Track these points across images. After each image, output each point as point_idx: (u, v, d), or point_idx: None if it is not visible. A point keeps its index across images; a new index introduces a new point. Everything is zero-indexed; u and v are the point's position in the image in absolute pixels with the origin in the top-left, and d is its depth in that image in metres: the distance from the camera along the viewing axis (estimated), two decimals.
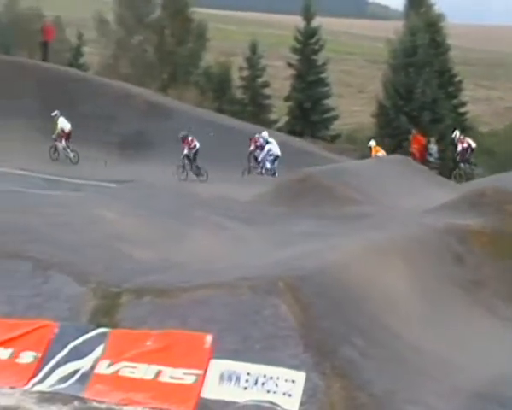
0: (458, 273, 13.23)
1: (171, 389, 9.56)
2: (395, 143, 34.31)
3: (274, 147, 26.96)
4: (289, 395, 9.24)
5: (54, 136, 27.89)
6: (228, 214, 15.66)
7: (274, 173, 26.62)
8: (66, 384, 9.79)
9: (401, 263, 12.36)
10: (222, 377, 9.53)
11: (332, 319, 10.05)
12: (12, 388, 9.76)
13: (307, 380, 9.21)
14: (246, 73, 42.91)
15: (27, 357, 10.08)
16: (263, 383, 9.37)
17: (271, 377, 9.36)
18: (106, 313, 10.47)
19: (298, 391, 9.21)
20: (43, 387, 9.79)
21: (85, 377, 9.82)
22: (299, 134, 37.80)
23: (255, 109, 41.51)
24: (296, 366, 9.34)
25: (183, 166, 26.61)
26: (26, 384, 9.82)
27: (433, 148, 32.24)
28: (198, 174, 26.51)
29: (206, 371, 9.58)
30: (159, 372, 9.69)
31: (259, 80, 42.94)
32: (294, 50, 43.16)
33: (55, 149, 27.94)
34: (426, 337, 10.87)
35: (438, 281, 12.70)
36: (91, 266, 11.40)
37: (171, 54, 42.50)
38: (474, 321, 12.16)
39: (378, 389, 9.29)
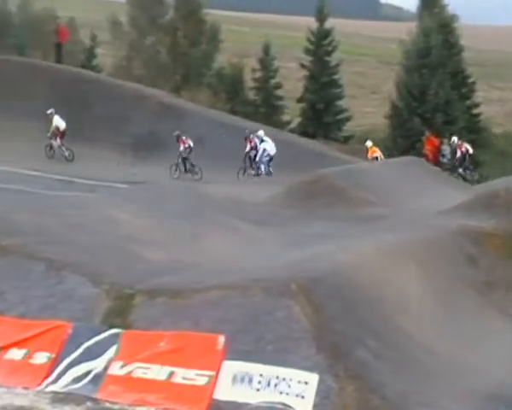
0: (471, 275, 13.20)
1: (183, 390, 9.57)
2: (408, 144, 34.28)
3: (269, 146, 26.91)
4: (302, 397, 9.23)
5: (49, 134, 28.16)
6: (240, 216, 15.68)
7: (270, 173, 26.58)
8: (80, 385, 9.82)
9: (414, 265, 12.34)
10: (234, 378, 9.53)
11: (345, 320, 10.04)
12: (26, 388, 9.80)
13: (320, 382, 9.20)
14: (259, 74, 42.97)
15: (41, 357, 10.12)
16: (275, 385, 9.36)
17: (284, 379, 9.35)
18: (119, 313, 10.50)
19: (311, 393, 9.20)
20: (56, 387, 9.82)
21: (98, 378, 9.85)
22: (312, 135, 37.81)
23: (268, 111, 41.57)
24: (309, 368, 9.33)
25: (177, 165, 26.84)
26: (40, 385, 9.86)
27: (446, 149, 32.15)
28: (193, 173, 26.68)
29: (218, 373, 9.59)
30: (171, 373, 9.70)
31: (272, 81, 43.00)
32: (307, 52, 43.19)
33: (51, 146, 28.23)
34: (439, 339, 10.84)
35: (451, 282, 12.67)
36: (105, 266, 11.44)
37: (183, 55, 42.62)
38: (487, 323, 12.12)
39: (391, 391, 9.27)
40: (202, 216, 15.10)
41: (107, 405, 9.53)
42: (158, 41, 43.53)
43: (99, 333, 10.24)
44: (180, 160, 26.88)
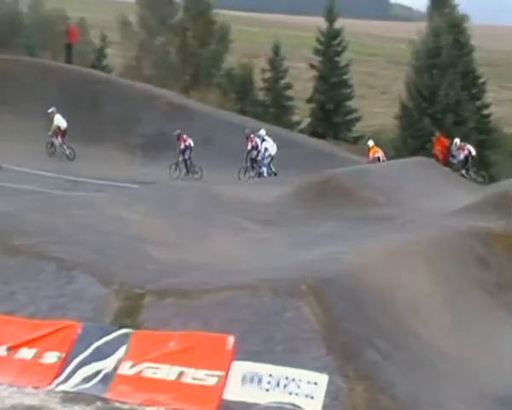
0: (481, 276, 13.17)
1: (193, 391, 9.59)
2: (418, 144, 34.20)
3: (270, 145, 26.89)
4: (312, 398, 9.23)
5: (50, 133, 28.29)
6: (249, 216, 15.69)
7: (273, 172, 26.59)
8: (90, 385, 9.85)
9: (424, 265, 12.32)
10: (244, 378, 9.54)
11: (355, 321, 10.04)
12: (36, 388, 9.83)
13: (330, 382, 9.20)
14: (268, 74, 42.94)
15: (51, 357, 10.15)
16: (285, 385, 9.36)
17: (293, 379, 9.35)
18: (129, 314, 10.52)
19: (320, 393, 9.19)
20: (66, 387, 9.85)
21: (108, 378, 9.88)
22: (322, 136, 37.78)
23: (277, 111, 41.53)
24: (319, 369, 9.33)
25: (176, 164, 26.91)
26: (50, 384, 9.89)
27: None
28: (193, 172, 26.76)
29: (228, 373, 9.60)
30: (181, 373, 9.72)
31: (282, 82, 42.96)
32: (317, 52, 43.13)
33: (52, 144, 28.44)
34: (449, 341, 10.82)
35: (461, 284, 12.65)
36: (115, 267, 11.47)
37: (193, 55, 42.64)
38: (497, 324, 12.09)
39: (401, 392, 9.26)
40: (211, 216, 15.12)
41: (117, 405, 9.56)
42: (167, 41, 43.57)
43: (109, 333, 10.27)
44: (180, 159, 26.98)
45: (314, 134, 37.62)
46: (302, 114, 42.60)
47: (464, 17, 42.45)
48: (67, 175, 25.22)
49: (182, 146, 26.99)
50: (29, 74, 31.18)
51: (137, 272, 11.35)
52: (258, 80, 42.97)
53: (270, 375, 9.45)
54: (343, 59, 42.80)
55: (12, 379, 9.96)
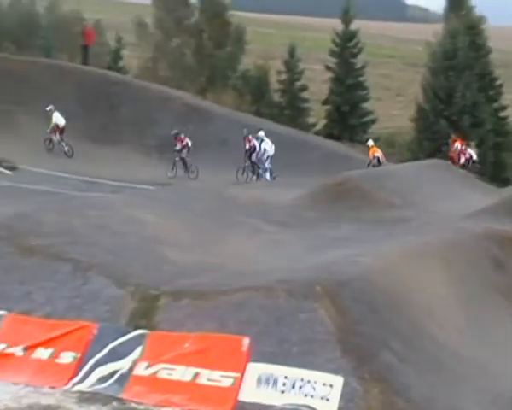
0: (497, 278, 13.10)
1: (208, 392, 9.60)
2: (434, 147, 34.08)
3: (268, 146, 26.88)
4: (327, 400, 9.23)
5: (48, 130, 28.43)
6: (265, 218, 15.69)
7: (271, 172, 26.56)
8: (105, 385, 9.89)
9: (440, 268, 12.28)
10: (259, 380, 9.54)
11: (370, 323, 10.02)
12: (52, 387, 9.89)
13: (345, 384, 9.19)
14: (284, 76, 42.91)
15: (67, 357, 10.20)
16: (300, 387, 9.36)
17: (309, 381, 9.35)
18: (144, 315, 10.56)
19: (336, 395, 9.19)
20: (82, 387, 9.90)
21: (124, 378, 9.91)
22: (337, 138, 37.72)
23: (293, 113, 41.49)
24: (334, 371, 9.32)
25: (174, 163, 27.01)
26: (66, 384, 9.94)
27: (473, 152, 31.94)
28: (189, 171, 26.87)
29: (243, 374, 9.61)
30: (196, 375, 9.74)
31: (297, 84, 42.91)
32: (333, 53, 43.06)
33: (50, 140, 28.64)
34: (465, 343, 10.78)
35: (476, 286, 12.59)
36: (130, 268, 11.51)
37: (209, 57, 42.68)
38: None
39: (417, 394, 9.23)
40: (227, 218, 15.14)
41: (133, 405, 9.59)
42: (183, 43, 43.63)
43: (124, 334, 10.31)
44: (178, 158, 27.10)
45: (329, 136, 37.56)
46: (318, 115, 42.54)
47: (481, 19, 42.25)
48: (83, 176, 25.29)
49: (178, 146, 27.12)
50: (46, 76, 31.30)
51: (153, 274, 11.38)
52: (274, 82, 42.95)
53: (286, 377, 9.45)
54: (359, 61, 42.70)
55: (28, 379, 10.02)
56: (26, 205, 16.42)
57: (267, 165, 26.72)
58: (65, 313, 10.67)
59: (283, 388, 9.42)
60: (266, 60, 44.55)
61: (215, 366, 9.72)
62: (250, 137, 27.34)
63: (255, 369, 9.60)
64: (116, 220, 13.39)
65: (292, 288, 10.40)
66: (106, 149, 28.60)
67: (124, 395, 9.75)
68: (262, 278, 10.98)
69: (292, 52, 43.03)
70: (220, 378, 9.62)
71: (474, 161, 29.61)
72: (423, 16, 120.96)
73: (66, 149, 28.41)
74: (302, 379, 9.39)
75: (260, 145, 26.98)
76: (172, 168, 27.00)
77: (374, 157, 28.38)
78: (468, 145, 31.99)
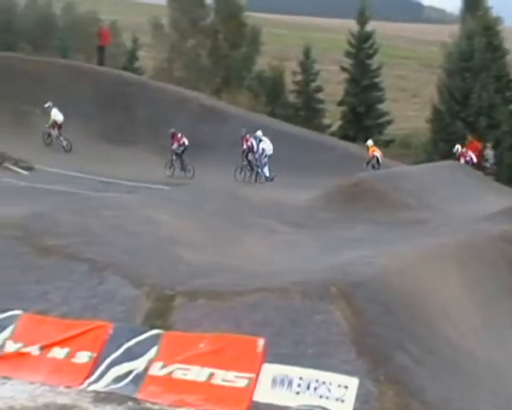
0: None
1: (223, 392, 9.62)
2: (450, 148, 33.87)
3: (267, 145, 26.83)
4: (342, 401, 9.22)
5: (47, 125, 28.59)
6: (280, 219, 15.70)
7: (270, 172, 26.52)
8: (121, 384, 9.93)
9: (455, 270, 12.24)
10: (274, 381, 9.55)
11: (385, 325, 10.00)
12: (68, 387, 9.93)
13: (360, 386, 9.18)
14: (299, 77, 42.88)
15: (83, 357, 10.25)
16: (315, 388, 9.36)
17: (324, 383, 9.34)
18: (160, 315, 10.59)
19: (351, 397, 9.18)
20: (98, 387, 9.94)
21: (139, 378, 9.95)
22: (353, 139, 37.62)
23: (308, 114, 41.45)
24: (349, 372, 9.31)
25: (171, 162, 27.09)
26: (82, 384, 9.99)
27: (490, 153, 31.78)
28: (185, 170, 26.91)
29: (258, 375, 9.61)
30: (211, 375, 9.76)
31: (313, 85, 42.86)
32: (348, 55, 42.98)
33: (49, 134, 28.84)
34: (480, 345, 10.74)
35: (492, 288, 12.54)
36: (146, 268, 11.54)
37: (224, 58, 42.72)
38: None
39: (432, 396, 9.20)
40: (242, 218, 15.15)
41: (148, 405, 9.62)
42: (199, 44, 43.69)
43: (140, 334, 10.34)
44: (174, 157, 27.19)
45: (345, 137, 37.47)
46: (333, 116, 42.47)
47: (498, 20, 42.01)
48: (99, 176, 25.36)
49: (175, 145, 27.20)
50: (62, 76, 31.40)
51: (168, 274, 11.41)
52: (289, 83, 42.93)
53: (301, 378, 9.45)
54: (374, 62, 42.59)
55: (44, 378, 10.07)
56: (42, 205, 16.51)
57: (265, 165, 26.70)
58: (81, 313, 10.72)
59: (298, 389, 9.42)
60: (281, 61, 44.55)
61: (230, 366, 9.74)
62: (248, 136, 27.40)
63: (270, 370, 9.61)
64: (131, 221, 13.43)
65: (307, 289, 10.39)
66: (121, 150, 28.66)
67: (139, 395, 9.78)
68: (277, 279, 10.99)
69: (307, 53, 42.99)
70: (235, 379, 9.64)
71: (474, 164, 29.46)
72: (439, 17, 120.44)
73: (64, 143, 28.64)
74: (317, 380, 9.38)
75: (258, 145, 26.99)
76: (170, 167, 27.16)
77: (373, 157, 28.34)
78: (484, 147, 31.85)
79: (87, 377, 10.04)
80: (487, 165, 30.75)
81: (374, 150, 28.72)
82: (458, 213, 16.37)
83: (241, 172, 26.94)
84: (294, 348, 9.77)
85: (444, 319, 10.86)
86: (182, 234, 13.36)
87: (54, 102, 28.86)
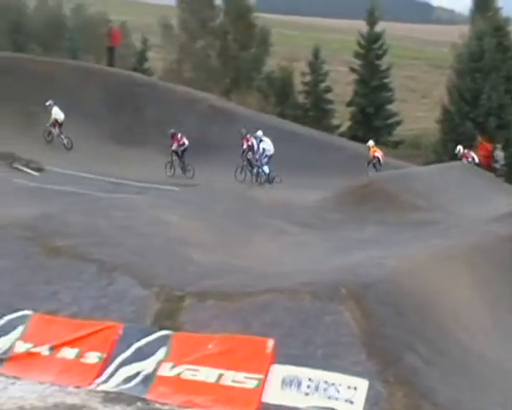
0: None
1: (232, 393, 9.61)
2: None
3: (268, 145, 26.82)
4: (351, 402, 9.20)
5: (48, 124, 28.75)
6: (289, 219, 15.69)
7: (270, 172, 26.52)
8: (130, 385, 9.93)
9: (465, 271, 12.21)
10: (283, 382, 9.54)
11: (395, 326, 9.97)
12: (77, 387, 9.95)
13: (370, 387, 9.16)
14: (308, 78, 42.91)
15: (93, 357, 10.26)
16: (324, 390, 9.34)
17: (333, 384, 9.33)
18: (169, 315, 10.59)
19: (360, 398, 9.16)
20: (107, 387, 9.95)
21: (148, 379, 9.95)
22: (362, 139, 37.57)
23: (317, 114, 41.49)
24: (358, 373, 9.29)
25: (171, 162, 27.19)
26: (91, 384, 10.00)
27: (500, 154, 31.67)
28: (185, 170, 27.00)
29: (267, 376, 9.61)
30: (220, 376, 9.75)
31: (322, 85, 42.89)
32: (357, 55, 42.99)
33: (50, 132, 29.00)
34: (490, 346, 10.71)
35: (502, 289, 12.51)
36: (155, 269, 11.55)
37: (233, 59, 42.79)
38: None
39: (442, 398, 9.17)
40: (251, 219, 15.16)
41: (157, 406, 9.62)
42: (208, 45, 43.76)
43: (149, 334, 10.35)
44: (174, 157, 27.29)
45: (354, 138, 37.47)
46: (342, 117, 42.49)
47: (508, 20, 41.94)
48: (109, 177, 25.42)
49: (174, 145, 27.28)
50: (71, 77, 31.48)
51: (178, 275, 11.42)
52: (298, 84, 42.95)
53: (310, 379, 9.44)
54: (384, 62, 42.60)
55: (54, 378, 10.09)
56: (51, 206, 16.56)
57: (265, 164, 26.70)
58: (91, 313, 10.74)
59: (307, 390, 9.40)
60: (291, 61, 44.59)
61: (239, 367, 9.73)
62: (248, 136, 27.47)
63: (279, 371, 9.60)
64: (141, 221, 13.45)
65: (317, 290, 10.38)
66: (131, 151, 28.73)
67: (148, 396, 9.79)
68: (286, 280, 10.98)
69: (316, 54, 43.03)
70: (244, 380, 9.63)
71: (476, 164, 29.39)
72: (449, 18, 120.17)
73: (65, 141, 28.83)
74: (326, 382, 9.37)
75: (259, 145, 27.02)
76: (170, 167, 27.26)
77: (374, 157, 28.32)
78: (494, 148, 31.75)
79: (96, 378, 10.05)
80: (497, 166, 30.64)
81: (375, 151, 28.70)
82: (468, 215, 16.33)
83: (241, 172, 27.08)
84: (304, 348, 9.75)
85: (454, 321, 10.83)
86: (191, 235, 13.37)
87: (64, 103, 28.96)
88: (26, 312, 10.91)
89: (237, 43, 43.45)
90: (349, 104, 42.31)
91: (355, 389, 9.23)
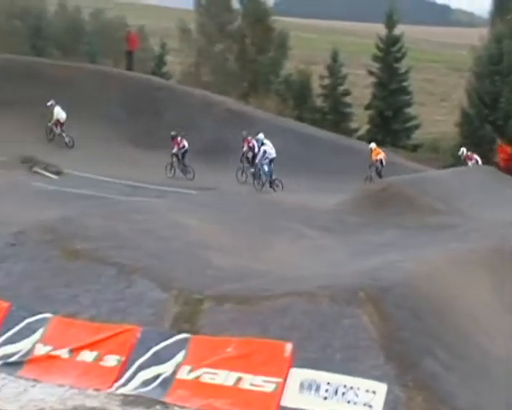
0: None
1: (251, 397, 9.61)
2: (479, 152, 33.63)
3: (269, 148, 26.80)
4: (370, 406, 9.18)
5: (50, 124, 29.07)
6: (308, 223, 15.67)
7: (271, 175, 26.50)
8: (149, 388, 9.96)
9: (484, 275, 12.15)
10: (302, 385, 9.53)
11: (414, 330, 9.94)
12: (97, 390, 9.99)
13: (388, 392, 9.13)
14: (326, 81, 42.80)
15: (111, 360, 10.30)
16: (343, 393, 9.33)
17: (352, 388, 9.31)
18: (187, 319, 10.61)
19: (379, 402, 9.14)
20: (126, 390, 9.98)
21: (167, 382, 9.97)
22: (380, 143, 37.42)
23: (336, 118, 41.34)
24: (377, 377, 9.27)
25: (172, 164, 27.35)
26: (111, 387, 10.04)
27: None
28: (185, 172, 27.16)
29: (285, 380, 9.60)
30: (239, 379, 9.76)
31: (340, 88, 42.76)
32: (376, 58, 42.81)
33: (51, 130, 29.31)
34: (510, 350, 10.64)
35: None
36: (174, 272, 11.58)
37: (252, 62, 42.76)
38: None
39: (462, 402, 9.13)
40: (270, 222, 15.16)
41: (176, 409, 9.64)
42: (226, 48, 43.75)
43: (167, 338, 10.37)
44: (174, 159, 27.46)
45: (372, 141, 37.33)
46: (360, 120, 42.33)
47: None
48: (127, 180, 25.51)
49: (175, 148, 27.43)
50: (90, 81, 31.63)
51: (197, 278, 11.44)
52: (317, 87, 42.87)
53: (328, 383, 9.42)
54: (402, 65, 42.41)
55: (73, 381, 10.14)
56: (70, 209, 16.65)
57: (266, 167, 26.71)
58: (109, 316, 10.79)
59: (326, 394, 9.39)
60: (308, 65, 44.50)
61: (258, 370, 9.73)
62: (249, 138, 27.56)
63: (298, 374, 9.59)
64: (160, 225, 13.49)
65: (335, 293, 10.37)
66: (149, 154, 28.80)
67: (167, 399, 9.81)
68: (305, 284, 10.97)
69: (335, 57, 42.91)
70: (263, 383, 9.63)
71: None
72: (468, 20, 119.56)
73: (66, 139, 29.13)
74: (345, 386, 9.35)
75: (260, 147, 27.05)
76: (170, 169, 27.45)
77: (377, 160, 28.17)
78: None
79: (115, 381, 10.09)
80: None
81: (378, 153, 28.50)
82: (487, 218, 16.24)
83: (242, 174, 27.20)
84: (322, 352, 9.74)
85: (473, 324, 10.78)
86: (210, 238, 13.39)
87: (82, 107, 29.18)
88: (45, 315, 10.97)
89: (255, 46, 43.41)
90: (367, 107, 42.15)
91: (374, 393, 9.21)
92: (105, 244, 12.22)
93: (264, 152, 26.74)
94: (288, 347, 9.79)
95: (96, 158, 28.29)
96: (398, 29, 42.65)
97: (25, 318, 10.97)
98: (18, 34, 41.88)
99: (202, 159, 28.82)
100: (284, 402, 9.47)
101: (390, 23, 42.55)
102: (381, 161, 28.10)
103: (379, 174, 27.62)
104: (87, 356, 10.41)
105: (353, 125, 42.04)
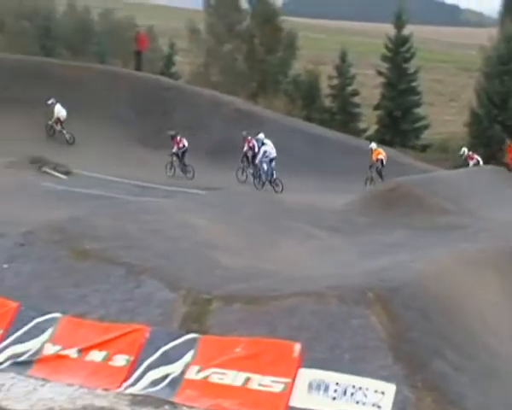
0: None
1: (259, 397, 9.62)
2: (488, 152, 33.58)
3: (269, 148, 26.81)
4: (379, 407, 9.16)
5: (50, 122, 29.32)
6: (317, 223, 15.67)
7: (272, 175, 26.51)
8: (158, 388, 9.98)
9: (493, 276, 12.12)
10: (310, 386, 9.53)
11: (422, 331, 9.93)
12: (106, 389, 10.01)
13: (397, 392, 9.12)
14: (335, 81, 42.79)
15: (120, 360, 10.32)
16: (352, 394, 9.32)
17: (360, 388, 9.30)
18: (196, 319, 10.62)
19: (387, 403, 9.12)
20: (135, 390, 10.00)
21: (176, 382, 9.99)
22: (389, 143, 37.42)
23: (344, 118, 41.33)
24: (386, 378, 9.25)
25: (171, 163, 27.45)
26: (119, 387, 10.05)
27: None
28: (185, 171, 27.33)
29: (294, 380, 9.60)
30: (247, 379, 9.76)
31: (349, 89, 42.74)
32: (385, 59, 42.77)
33: (51, 127, 29.59)
34: None
35: None
36: (182, 272, 11.59)
37: (260, 62, 42.77)
38: None
39: (472, 403, 9.11)
40: (278, 223, 15.16)
41: (185, 409, 9.65)
42: (235, 48, 43.78)
43: (176, 338, 10.38)
44: (174, 158, 27.55)
45: (381, 141, 37.21)
46: (369, 121, 42.29)
47: None
48: (136, 181, 25.55)
49: (175, 148, 27.52)
50: (99, 81, 31.70)
51: (205, 278, 11.45)
52: (325, 87, 42.86)
53: (337, 383, 9.42)
54: (411, 66, 42.34)
55: (82, 381, 10.16)
56: (79, 209, 16.69)
57: (265, 166, 26.72)
58: (118, 316, 10.80)
59: (335, 394, 9.39)
60: (317, 65, 44.48)
61: (266, 371, 9.73)
62: (250, 138, 27.63)
63: (306, 375, 9.59)
64: (169, 225, 13.51)
65: (343, 293, 10.36)
66: (158, 154, 28.83)
67: (175, 399, 9.82)
68: (314, 284, 10.97)
69: (343, 57, 42.89)
70: (271, 384, 9.63)
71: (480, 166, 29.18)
72: (477, 21, 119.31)
73: (67, 136, 29.33)
74: (354, 386, 9.34)
75: (260, 147, 27.08)
76: (170, 168, 27.54)
77: (377, 160, 28.05)
78: None
79: (124, 381, 10.10)
80: None
81: (378, 153, 28.37)
82: (497, 218, 16.21)
83: (242, 173, 27.30)
84: (331, 352, 9.74)
85: (481, 325, 10.76)
86: (218, 238, 13.41)
87: (91, 107, 29.27)
88: (54, 314, 10.99)
89: (264, 46, 43.43)
90: (376, 108, 42.11)
91: (382, 393, 9.19)
92: (114, 244, 12.24)
93: (265, 152, 26.79)
94: (297, 347, 9.79)
95: (105, 158, 28.35)
96: (407, 29, 42.59)
97: (34, 318, 11.00)
98: (27, 35, 42.03)
99: (211, 159, 28.88)
100: (293, 403, 9.47)
101: (399, 23, 42.49)
102: (382, 161, 27.99)
103: (379, 174, 27.55)
104: (96, 356, 10.43)
105: (362, 125, 42.01)
